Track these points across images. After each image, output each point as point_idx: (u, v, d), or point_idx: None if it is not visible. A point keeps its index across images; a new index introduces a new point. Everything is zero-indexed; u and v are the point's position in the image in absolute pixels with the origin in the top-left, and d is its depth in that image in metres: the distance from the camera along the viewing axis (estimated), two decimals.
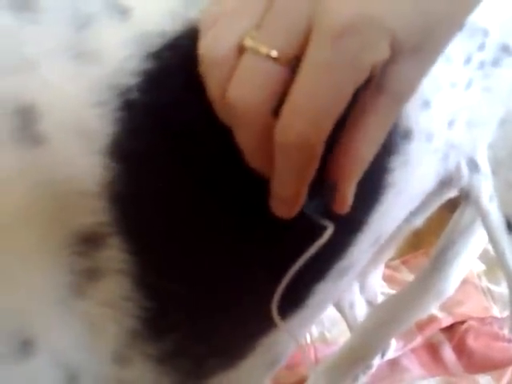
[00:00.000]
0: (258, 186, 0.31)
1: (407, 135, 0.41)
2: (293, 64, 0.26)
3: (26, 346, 0.28)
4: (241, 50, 0.26)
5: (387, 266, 1.05)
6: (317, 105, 0.26)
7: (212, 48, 0.27)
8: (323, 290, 0.40)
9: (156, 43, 0.30)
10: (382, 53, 0.26)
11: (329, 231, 0.31)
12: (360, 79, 0.26)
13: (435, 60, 0.29)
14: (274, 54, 0.26)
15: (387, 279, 1.04)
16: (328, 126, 0.26)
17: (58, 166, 0.28)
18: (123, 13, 0.30)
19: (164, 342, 0.33)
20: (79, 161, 0.28)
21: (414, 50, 0.27)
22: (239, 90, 0.26)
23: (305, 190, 0.29)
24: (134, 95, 0.29)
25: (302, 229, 0.31)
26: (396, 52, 0.26)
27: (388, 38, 0.26)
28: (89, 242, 0.29)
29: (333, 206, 0.31)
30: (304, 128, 0.26)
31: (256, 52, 0.26)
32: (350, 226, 0.40)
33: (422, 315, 0.74)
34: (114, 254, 0.29)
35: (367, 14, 0.25)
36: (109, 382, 0.32)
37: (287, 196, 0.29)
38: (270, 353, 0.40)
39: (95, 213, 0.29)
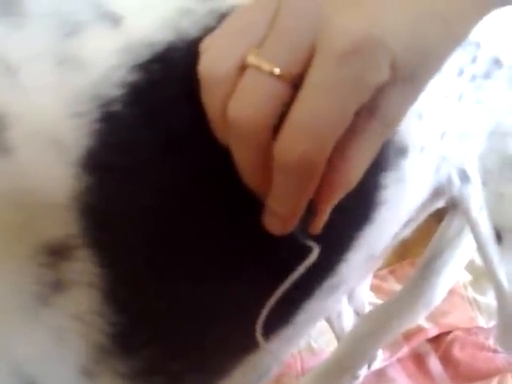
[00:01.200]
0: (243, 201, 0.30)
1: (402, 151, 0.41)
2: (295, 82, 0.26)
3: None
4: (243, 67, 0.26)
5: (374, 276, 1.05)
6: (320, 124, 0.25)
7: (213, 65, 0.27)
8: (311, 307, 0.39)
9: (145, 54, 0.30)
10: (384, 74, 0.26)
11: (315, 253, 0.31)
12: (363, 99, 0.26)
13: (425, 87, 0.29)
14: (277, 71, 0.26)
15: (374, 289, 1.04)
16: (330, 146, 0.26)
17: (25, 175, 0.27)
18: (114, 21, 0.30)
19: (135, 360, 0.32)
20: (49, 171, 0.28)
21: (409, 75, 0.27)
22: (240, 106, 0.26)
23: (302, 209, 0.28)
24: (117, 107, 0.29)
25: (289, 247, 0.31)
26: (392, 76, 0.26)
27: (389, 60, 0.26)
28: (56, 253, 0.28)
29: (308, 227, 0.30)
30: (306, 147, 0.25)
31: (259, 69, 0.26)
32: (340, 244, 0.39)
33: (410, 325, 0.74)
34: (83, 267, 0.29)
35: (372, 35, 0.25)
36: None
37: (283, 214, 0.28)
38: (255, 370, 0.39)
39: (63, 224, 0.28)
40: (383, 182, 0.40)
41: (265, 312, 0.32)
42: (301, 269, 0.31)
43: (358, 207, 0.39)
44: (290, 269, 0.32)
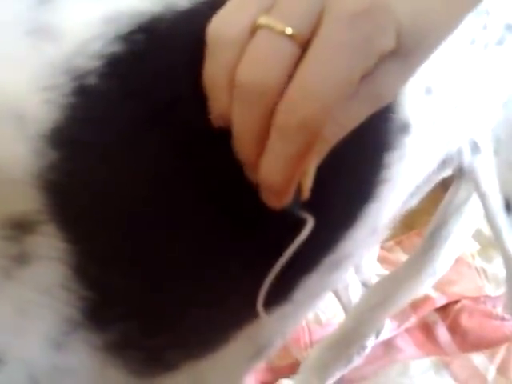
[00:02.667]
0: (234, 175, 0.29)
1: (405, 129, 0.40)
2: (304, 45, 0.25)
3: None
4: (253, 30, 0.26)
5: (381, 247, 1.05)
6: (326, 85, 0.25)
7: (223, 27, 0.26)
8: (311, 284, 0.38)
9: (128, 25, 0.28)
10: (390, 41, 0.26)
11: (309, 225, 0.30)
12: (369, 64, 0.26)
13: (421, 65, 0.28)
14: (290, 31, 0.25)
15: (381, 260, 1.04)
16: (332, 110, 0.25)
17: None
18: None
19: (108, 333, 0.31)
20: (9, 146, 0.26)
21: (410, 49, 0.27)
22: (252, 67, 0.25)
23: (298, 178, 0.28)
24: (91, 80, 0.27)
25: (283, 221, 0.30)
26: (395, 47, 0.26)
27: (395, 28, 0.25)
28: (19, 227, 0.27)
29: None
30: (310, 109, 0.25)
31: (271, 29, 0.25)
32: (341, 220, 0.38)
33: (417, 295, 0.74)
34: (48, 241, 0.28)
35: (384, 0, 0.25)
36: (43, 368, 0.31)
37: (279, 183, 0.27)
38: (251, 344, 0.38)
39: (25, 200, 0.27)
40: (385, 161, 0.39)
41: (264, 287, 0.32)
42: (296, 242, 0.30)
43: (360, 186, 0.39)
44: (284, 244, 0.31)
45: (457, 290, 0.99)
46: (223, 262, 0.33)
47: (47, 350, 0.30)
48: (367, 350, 0.87)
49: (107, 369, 0.32)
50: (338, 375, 0.83)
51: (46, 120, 0.27)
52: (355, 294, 0.84)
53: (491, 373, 0.84)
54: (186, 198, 0.31)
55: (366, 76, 0.26)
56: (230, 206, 0.32)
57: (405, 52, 0.26)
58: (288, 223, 0.30)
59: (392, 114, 0.39)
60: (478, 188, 0.53)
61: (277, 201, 0.28)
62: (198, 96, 0.28)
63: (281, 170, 0.26)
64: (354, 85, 0.25)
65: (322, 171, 0.29)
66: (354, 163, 0.37)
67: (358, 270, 0.83)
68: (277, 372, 0.88)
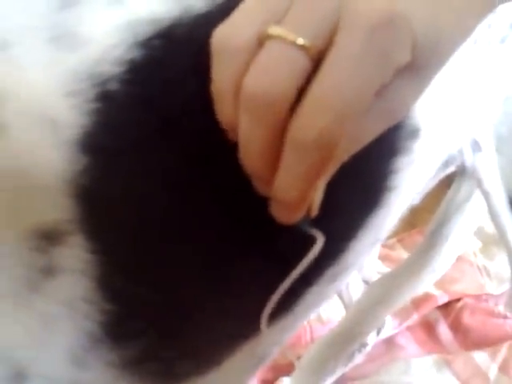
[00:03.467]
0: (246, 188, 0.29)
1: (414, 134, 0.39)
2: (317, 57, 0.24)
3: None
4: (261, 40, 0.25)
5: (383, 245, 1.05)
6: (343, 99, 0.24)
7: (230, 35, 0.25)
8: (312, 296, 0.38)
9: (146, 31, 0.28)
10: (407, 55, 0.25)
11: (319, 243, 0.30)
12: (386, 78, 0.25)
13: (432, 79, 0.27)
14: (301, 41, 0.24)
15: (383, 258, 1.04)
16: (349, 126, 0.25)
17: (18, 155, 0.26)
18: None
19: (126, 349, 0.31)
20: (42, 152, 0.26)
21: (424, 63, 0.26)
22: (261, 78, 0.24)
23: (312, 193, 0.27)
24: (114, 86, 0.27)
25: (292, 236, 0.30)
26: (410, 60, 0.25)
27: (411, 41, 0.25)
28: (48, 238, 0.27)
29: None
30: (327, 124, 0.24)
31: (282, 38, 0.24)
32: (346, 231, 0.38)
33: (418, 292, 0.74)
34: (74, 253, 0.28)
35: (398, 11, 0.24)
36: (63, 383, 0.30)
37: (292, 199, 0.26)
38: (253, 356, 0.38)
39: (57, 208, 0.27)
40: (394, 167, 0.38)
41: (270, 305, 0.31)
42: (306, 260, 0.30)
43: (367, 195, 0.38)
44: (292, 259, 0.31)
45: (459, 288, 0.99)
46: (235, 274, 0.33)
47: (68, 366, 0.30)
48: (368, 348, 0.86)
49: (124, 382, 0.32)
50: (339, 373, 0.83)
51: (76, 125, 0.27)
52: (357, 292, 0.83)
53: (493, 371, 0.84)
54: (200, 210, 0.31)
55: (381, 90, 0.25)
56: (241, 218, 0.32)
57: (419, 65, 0.26)
58: (297, 238, 0.29)
59: (404, 120, 0.38)
60: (481, 186, 0.53)
61: (289, 217, 0.28)
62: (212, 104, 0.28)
63: (296, 187, 0.26)
64: (370, 98, 0.25)
65: (329, 181, 0.29)
66: (360, 171, 0.36)
67: (359, 268, 0.83)
68: (278, 370, 0.88)
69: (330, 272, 0.38)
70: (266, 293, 0.32)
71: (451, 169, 0.57)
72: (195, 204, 0.30)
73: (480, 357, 0.86)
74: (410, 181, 0.41)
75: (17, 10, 0.27)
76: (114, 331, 0.30)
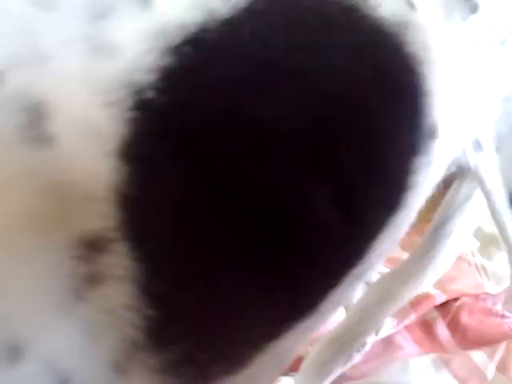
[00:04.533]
0: (277, 200, 0.30)
1: (432, 133, 0.40)
2: None
3: (14, 352, 0.27)
4: None
5: None
6: None
7: None
8: (337, 294, 0.39)
9: (176, 36, 0.29)
10: None
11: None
12: None
13: None
14: None
15: None
16: None
17: (64, 167, 0.27)
18: (144, 3, 0.29)
19: (166, 353, 0.31)
20: (87, 162, 0.27)
21: None
22: None
23: None
24: (150, 94, 0.28)
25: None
26: None
27: None
28: (92, 246, 0.28)
29: None
30: None
31: None
32: (371, 231, 0.38)
33: (417, 292, 0.74)
34: (118, 260, 0.28)
35: None
36: None
37: None
38: (275, 357, 0.39)
39: (101, 217, 0.28)
40: (413, 167, 0.39)
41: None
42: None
43: (389, 194, 0.39)
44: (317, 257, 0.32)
45: (457, 287, 1.00)
46: (261, 277, 0.34)
47: (110, 373, 0.30)
48: (367, 348, 0.87)
49: None
50: (337, 372, 0.83)
51: (116, 135, 0.27)
52: (356, 293, 0.83)
53: (491, 370, 0.85)
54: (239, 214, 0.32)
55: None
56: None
57: None
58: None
59: (423, 119, 0.38)
60: (482, 185, 0.53)
61: None
62: (242, 112, 0.29)
63: None
64: None
65: (355, 178, 0.29)
66: (383, 169, 0.37)
67: None
68: None
69: (354, 272, 0.38)
70: (295, 292, 0.34)
71: (452, 169, 0.57)
72: (227, 209, 0.31)
73: (478, 356, 0.87)
74: (428, 181, 0.42)
75: (54, 25, 0.27)
76: (156, 337, 0.30)
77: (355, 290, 0.44)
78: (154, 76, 0.28)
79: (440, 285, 0.99)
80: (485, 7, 0.45)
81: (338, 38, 0.35)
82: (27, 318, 0.27)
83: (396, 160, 0.37)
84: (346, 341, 0.76)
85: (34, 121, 0.26)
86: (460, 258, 0.98)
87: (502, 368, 0.84)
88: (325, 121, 0.34)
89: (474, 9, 0.43)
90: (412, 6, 0.37)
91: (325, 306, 0.38)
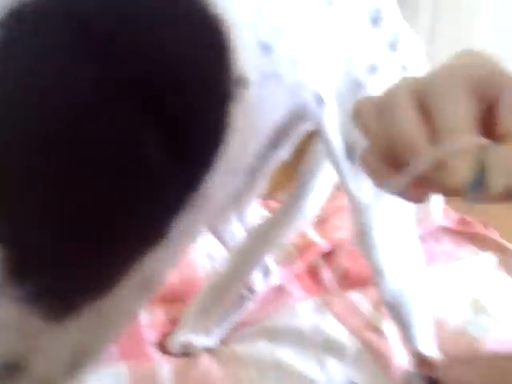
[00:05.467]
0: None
1: (242, 82, 0.45)
2: None
3: None
4: None
5: (273, 199, 1.11)
6: None
7: None
8: (181, 222, 0.43)
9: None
10: None
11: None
12: None
13: None
14: None
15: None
16: None
17: None
18: None
19: (28, 286, 0.35)
20: None
21: None
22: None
23: None
24: None
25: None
26: None
27: None
28: None
29: None
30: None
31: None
32: (200, 162, 0.44)
33: (291, 234, 0.80)
34: None
35: None
36: None
37: None
38: (141, 279, 0.43)
39: None
40: (229, 110, 0.44)
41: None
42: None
43: (211, 132, 0.44)
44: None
45: (340, 235, 1.06)
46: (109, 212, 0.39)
47: None
48: (257, 295, 0.92)
49: (27, 318, 0.36)
50: (232, 320, 0.87)
51: None
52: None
53: (368, 308, 0.92)
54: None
55: None
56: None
57: None
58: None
59: (228, 66, 0.43)
60: (323, 138, 0.57)
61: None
62: None
63: None
64: None
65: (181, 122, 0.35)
66: (204, 113, 0.42)
67: (241, 221, 0.88)
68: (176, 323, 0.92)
69: (193, 199, 0.44)
70: (142, 222, 0.39)
71: (310, 125, 0.61)
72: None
73: (355, 296, 0.94)
74: (247, 124, 0.47)
75: None
76: (15, 273, 0.34)
77: (203, 221, 0.49)
78: None
79: (325, 233, 1.05)
80: None
81: (158, 4, 0.39)
82: None
83: (213, 105, 0.43)
84: (226, 285, 0.81)
85: None
86: (343, 208, 1.05)
87: (377, 306, 0.91)
88: (151, 76, 0.38)
89: None
90: None
91: (174, 232, 0.43)
